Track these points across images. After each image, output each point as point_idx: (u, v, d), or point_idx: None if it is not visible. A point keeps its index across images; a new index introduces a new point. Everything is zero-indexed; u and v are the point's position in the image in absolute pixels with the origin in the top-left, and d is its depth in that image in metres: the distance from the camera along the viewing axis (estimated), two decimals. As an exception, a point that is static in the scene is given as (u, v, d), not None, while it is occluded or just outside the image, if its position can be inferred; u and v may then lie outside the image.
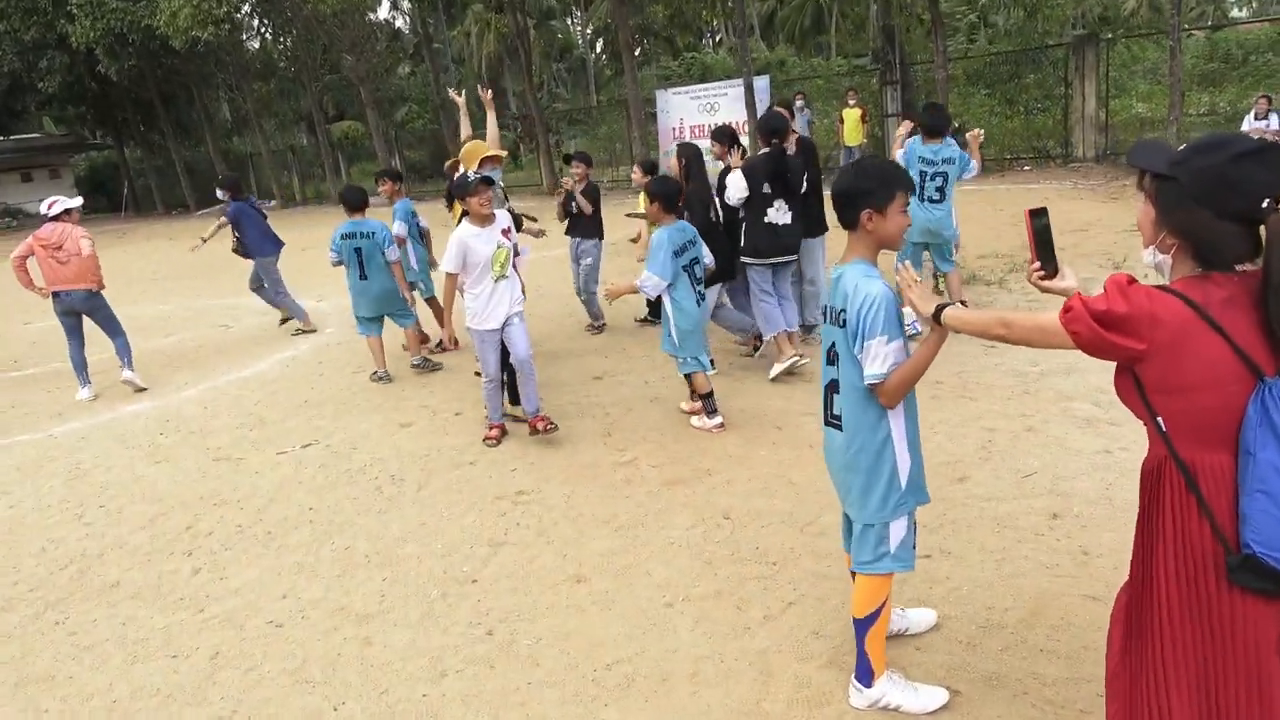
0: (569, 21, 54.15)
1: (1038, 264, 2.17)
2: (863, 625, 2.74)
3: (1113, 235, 10.17)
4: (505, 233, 5.18)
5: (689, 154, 6.79)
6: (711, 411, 5.35)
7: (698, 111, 20.68)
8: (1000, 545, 3.67)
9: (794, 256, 6.41)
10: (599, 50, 56.85)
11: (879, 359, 2.49)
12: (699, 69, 36.18)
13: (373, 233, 6.96)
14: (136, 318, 11.22)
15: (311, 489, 5.05)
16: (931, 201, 6.72)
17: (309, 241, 18.99)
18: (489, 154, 5.78)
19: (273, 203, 33.18)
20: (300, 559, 4.20)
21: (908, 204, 2.61)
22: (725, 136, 7.20)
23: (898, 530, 2.68)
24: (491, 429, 5.53)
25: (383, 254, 7.01)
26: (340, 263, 7.05)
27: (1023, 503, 4.03)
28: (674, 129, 21.13)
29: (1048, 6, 16.37)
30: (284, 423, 6.34)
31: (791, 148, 6.40)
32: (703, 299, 5.35)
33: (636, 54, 37.68)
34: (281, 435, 6.05)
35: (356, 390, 7.01)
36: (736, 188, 6.22)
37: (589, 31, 54.67)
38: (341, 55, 28.66)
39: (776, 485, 4.48)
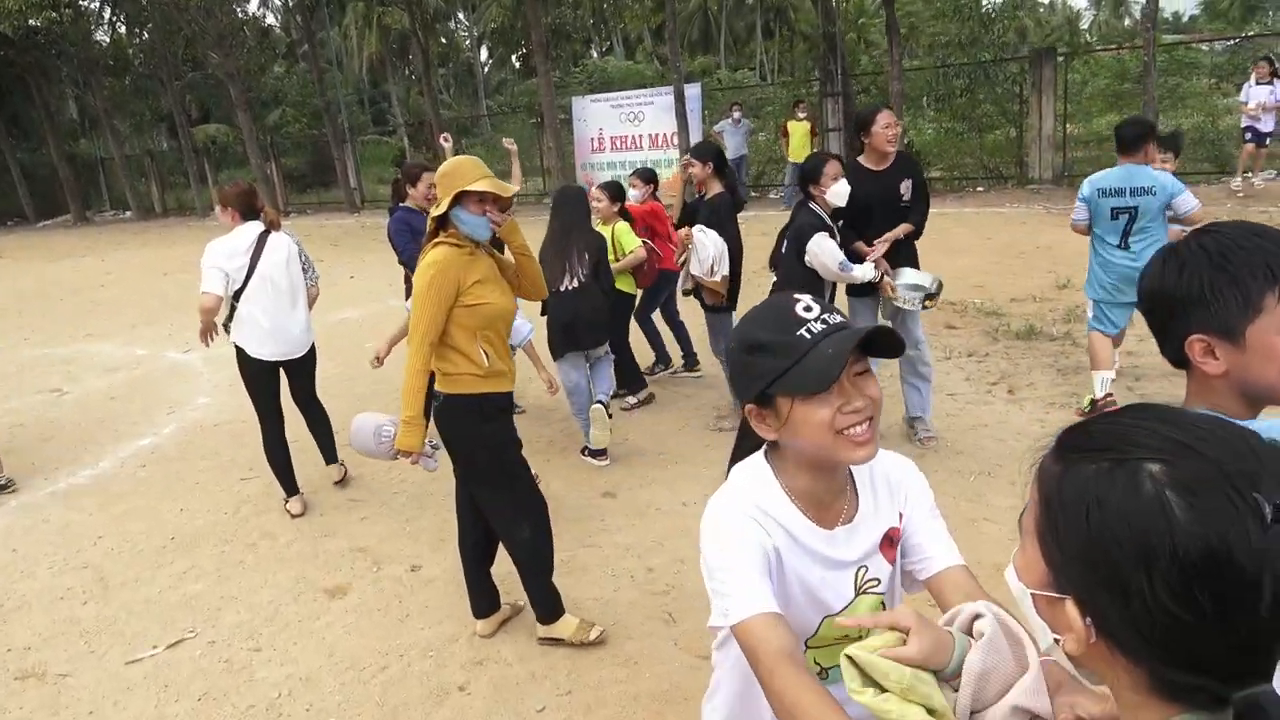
0: (453, 25, 51.54)
1: None
2: None
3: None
4: (887, 546, 1.51)
5: (560, 200, 5.22)
6: None
7: (619, 121, 18.91)
8: None
9: None
10: (484, 56, 54.51)
11: None
12: (600, 76, 34.44)
13: None
14: (-67, 378, 8.54)
15: (188, 758, 2.93)
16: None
17: (170, 263, 16.19)
18: (479, 187, 2.97)
19: (127, 213, 29.55)
20: None
21: None
22: (710, 153, 5.48)
23: None
24: None
25: None
26: None
27: None
28: (592, 139, 19.32)
29: (1003, 20, 15.32)
30: (137, 585, 4.12)
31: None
32: None
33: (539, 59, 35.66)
34: (133, 615, 3.84)
35: (248, 514, 4.83)
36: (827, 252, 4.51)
37: (475, 36, 52.37)
38: (207, 52, 25.52)
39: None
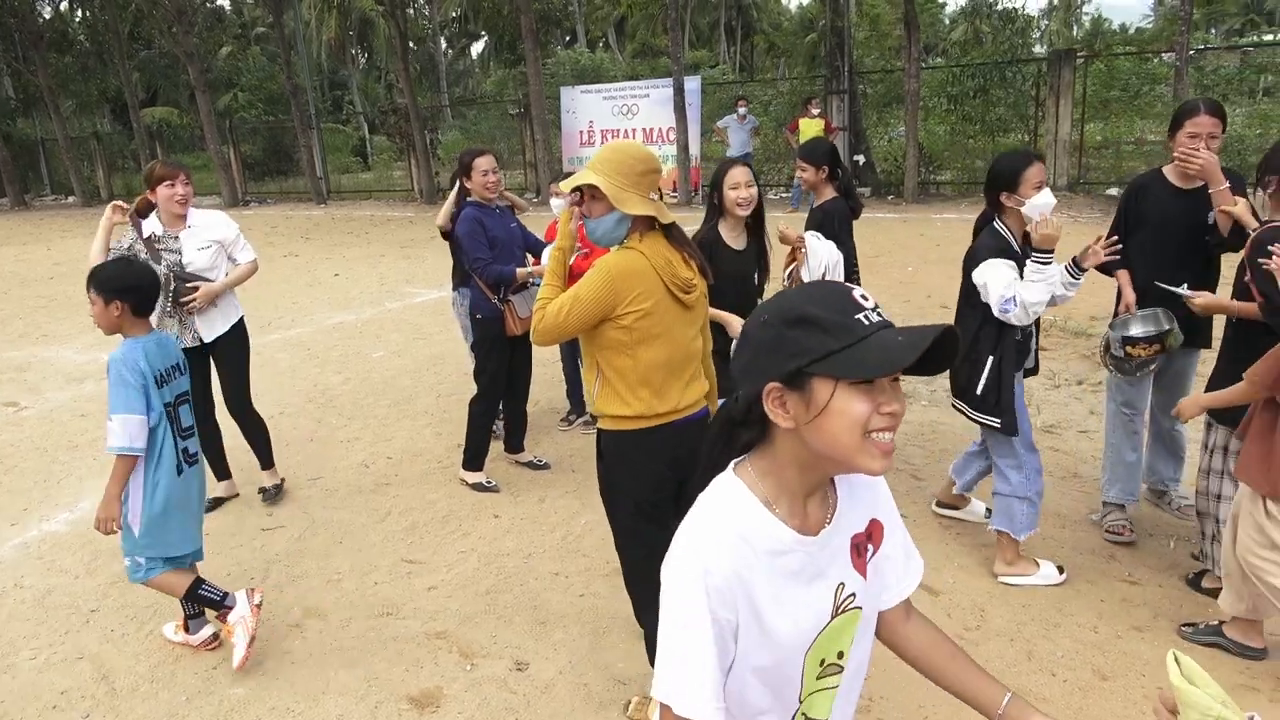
0: (412, 11, 49.97)
1: None
2: None
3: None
4: (855, 555, 1.35)
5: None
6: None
7: (612, 114, 18.06)
8: None
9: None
10: (445, 46, 53.01)
11: None
12: (574, 68, 33.49)
13: None
14: None
15: None
16: None
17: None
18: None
19: (70, 198, 27.81)
20: None
21: None
22: (823, 156, 4.29)
23: None
24: None
25: None
26: None
27: None
28: (582, 132, 18.43)
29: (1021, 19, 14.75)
30: (154, 689, 3.15)
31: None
32: (194, 462, 3.21)
33: (509, 52, 34.36)
34: (156, 734, 2.90)
35: (281, 580, 3.86)
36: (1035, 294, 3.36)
37: (436, 25, 50.95)
38: (158, 30, 23.92)
39: None
